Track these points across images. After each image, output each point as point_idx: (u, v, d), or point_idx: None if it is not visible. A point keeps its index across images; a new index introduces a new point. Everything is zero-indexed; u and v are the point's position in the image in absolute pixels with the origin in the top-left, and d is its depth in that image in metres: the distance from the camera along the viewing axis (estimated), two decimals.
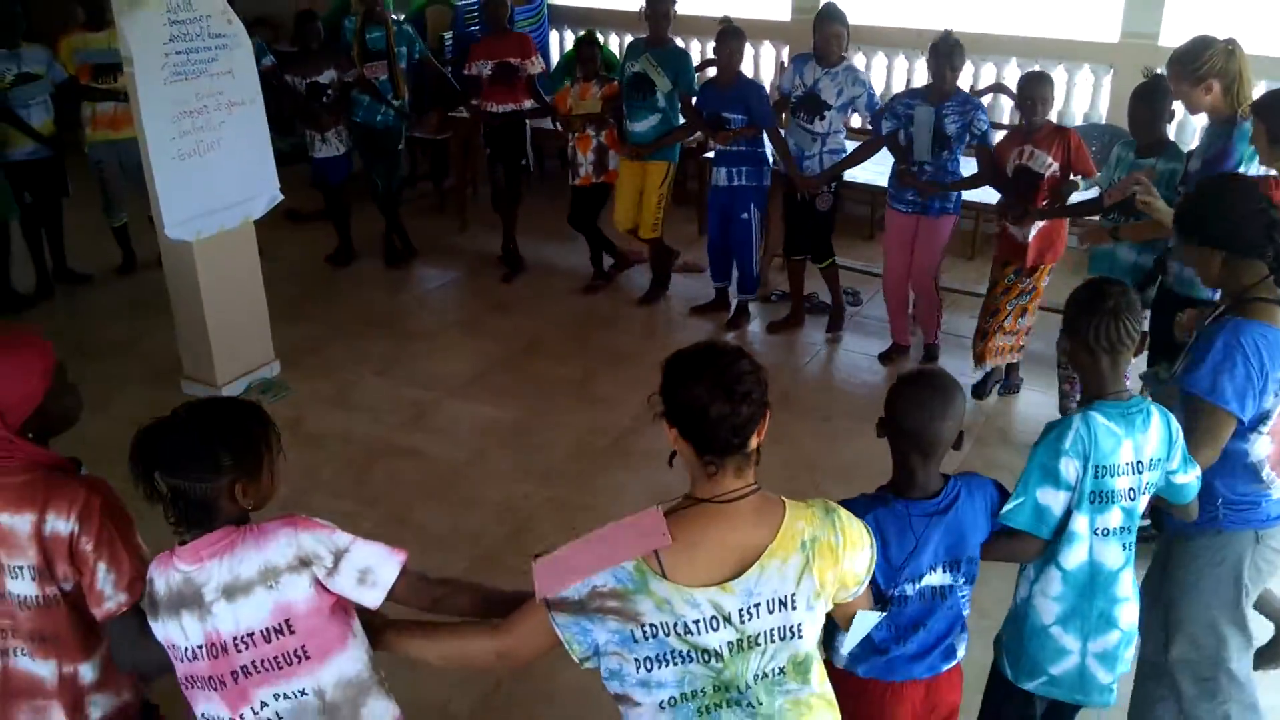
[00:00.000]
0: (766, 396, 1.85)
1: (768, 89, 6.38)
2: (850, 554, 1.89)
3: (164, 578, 1.94)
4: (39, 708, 2.13)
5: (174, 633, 1.94)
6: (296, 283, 6.62)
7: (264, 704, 1.95)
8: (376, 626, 2.06)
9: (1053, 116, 6.92)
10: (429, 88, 7.41)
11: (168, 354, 5.31)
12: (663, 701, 1.84)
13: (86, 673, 2.12)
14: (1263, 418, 2.58)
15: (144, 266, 6.76)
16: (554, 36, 8.88)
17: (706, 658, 1.81)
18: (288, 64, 6.66)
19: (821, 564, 1.85)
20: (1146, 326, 2.84)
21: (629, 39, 7.97)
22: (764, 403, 1.84)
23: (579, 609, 1.82)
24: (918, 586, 2.26)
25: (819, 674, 1.94)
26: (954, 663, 2.36)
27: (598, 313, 6.34)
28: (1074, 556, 2.40)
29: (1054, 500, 2.36)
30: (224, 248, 5.08)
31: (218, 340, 5.16)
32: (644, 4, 5.97)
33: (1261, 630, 3.21)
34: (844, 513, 1.93)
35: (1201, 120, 4.95)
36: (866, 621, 2.11)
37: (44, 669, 2.11)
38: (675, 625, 1.79)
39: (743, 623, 1.80)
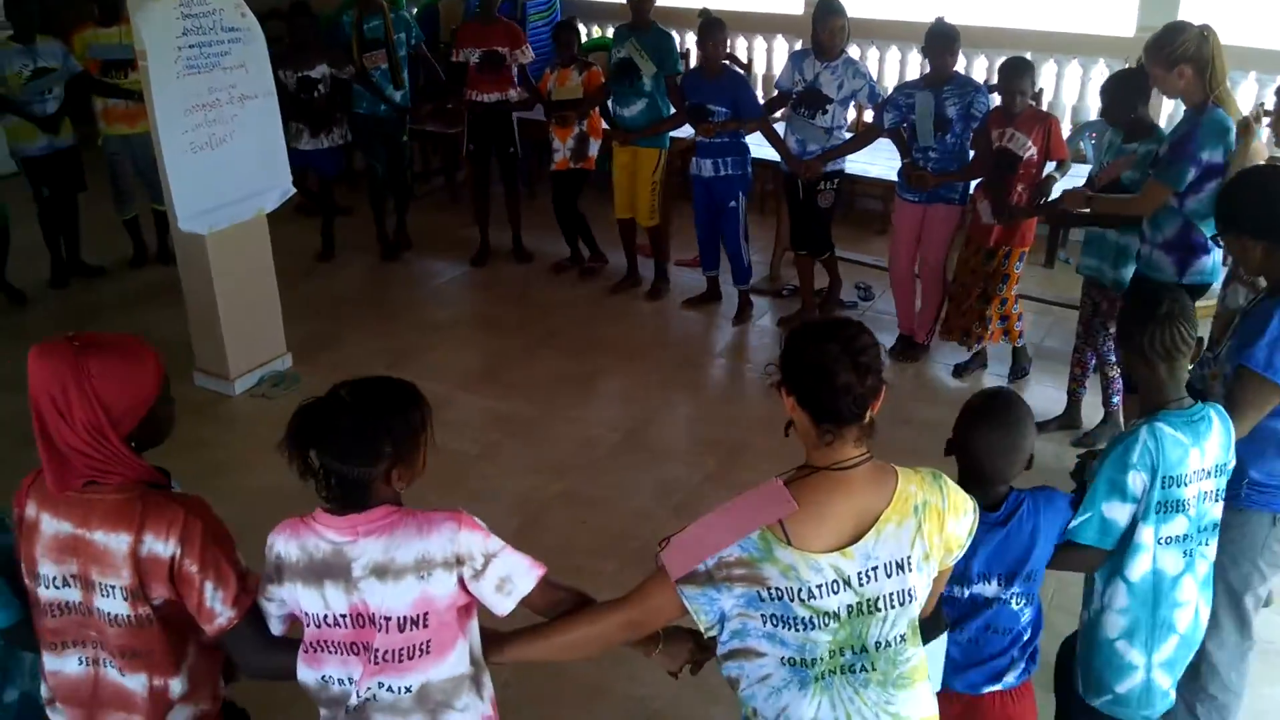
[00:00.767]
0: (884, 371, 1.90)
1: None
2: (954, 518, 1.94)
3: (298, 544, 1.95)
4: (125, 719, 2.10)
5: (309, 600, 1.95)
6: (309, 275, 6.64)
7: (370, 689, 1.97)
8: (488, 635, 2.08)
9: (1068, 110, 6.98)
10: (423, 78, 7.40)
11: (179, 346, 5.33)
12: (783, 658, 1.90)
13: (176, 686, 2.09)
14: None
15: (152, 259, 6.83)
16: (577, 25, 8.84)
17: (826, 620, 1.86)
18: (279, 58, 6.65)
19: (930, 527, 1.90)
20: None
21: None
22: (882, 377, 1.89)
23: (707, 580, 1.87)
24: (966, 591, 2.27)
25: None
26: (999, 687, 2.34)
27: (609, 307, 6.34)
28: (1139, 567, 2.39)
29: (1120, 514, 2.35)
30: (237, 240, 5.09)
31: (230, 332, 5.18)
32: None
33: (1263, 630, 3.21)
34: (949, 481, 1.98)
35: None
36: (936, 650, 2.13)
37: (134, 683, 2.06)
38: (799, 591, 1.84)
39: (861, 585, 1.85)
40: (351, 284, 6.70)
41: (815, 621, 1.86)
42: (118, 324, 5.96)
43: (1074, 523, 2.36)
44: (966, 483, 2.23)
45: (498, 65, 6.40)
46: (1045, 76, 7.01)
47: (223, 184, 4.94)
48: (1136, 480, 2.32)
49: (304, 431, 1.89)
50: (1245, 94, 6.51)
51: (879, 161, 6.56)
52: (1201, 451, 2.35)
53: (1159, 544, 2.38)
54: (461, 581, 1.94)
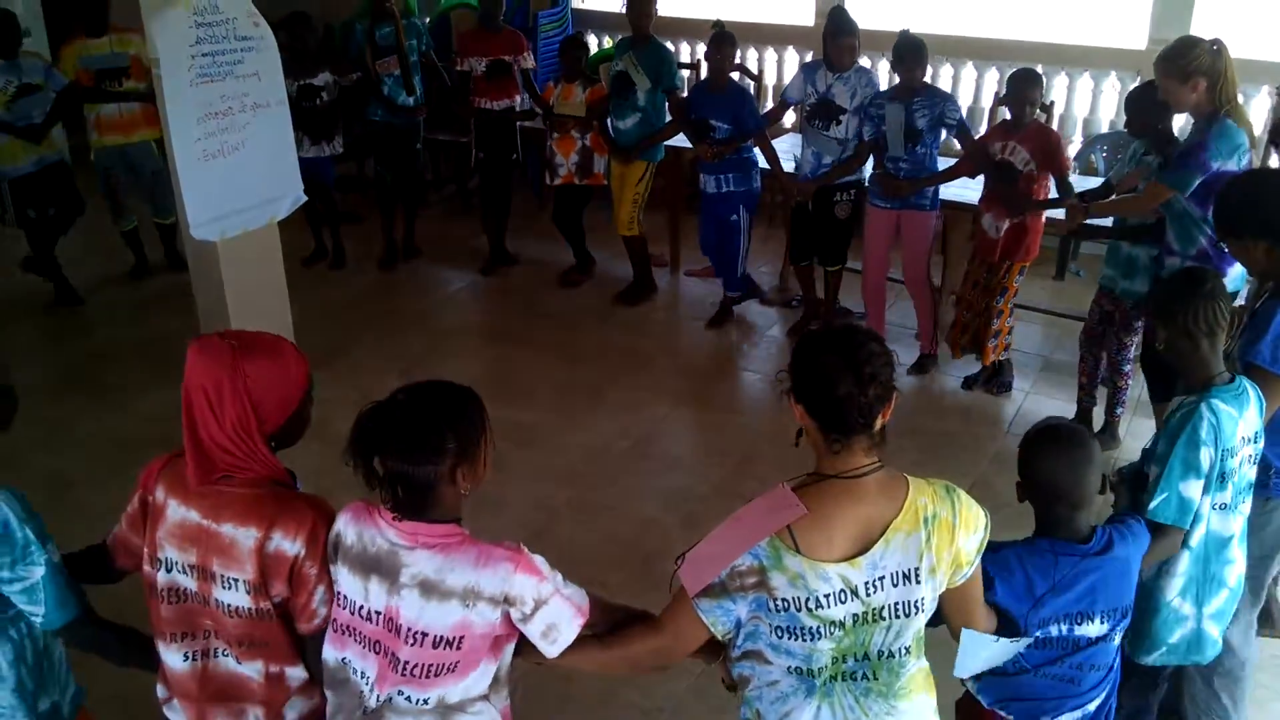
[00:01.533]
0: (894, 379, 1.87)
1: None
2: (965, 533, 1.92)
3: (357, 530, 1.96)
4: (238, 711, 2.10)
5: (351, 587, 1.97)
6: (320, 283, 6.66)
7: (390, 697, 1.97)
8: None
9: (1080, 123, 6.97)
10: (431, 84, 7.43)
11: (183, 354, 5.32)
12: (790, 667, 1.90)
13: (295, 675, 2.09)
14: None
15: (160, 269, 6.82)
16: (584, 40, 8.86)
17: (831, 629, 1.85)
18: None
19: (939, 540, 1.87)
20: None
21: (668, 45, 7.99)
22: (891, 385, 1.86)
23: (721, 591, 1.87)
24: (1065, 629, 2.23)
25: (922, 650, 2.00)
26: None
27: (618, 316, 6.34)
28: (1198, 534, 2.49)
29: (1195, 491, 2.42)
30: (248, 247, 5.10)
31: None
32: (625, 2, 6.00)
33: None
34: (964, 494, 1.95)
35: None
36: (979, 644, 2.12)
37: (250, 669, 2.07)
38: (806, 600, 1.83)
39: (868, 595, 1.84)
40: (362, 292, 6.71)
41: (821, 631, 1.85)
42: (130, 331, 6.00)
43: (1154, 503, 2.39)
44: (1050, 521, 2.24)
45: (504, 73, 6.43)
46: (1057, 89, 7.00)
47: (235, 191, 4.95)
48: (1206, 456, 2.40)
49: (366, 436, 1.90)
50: (1259, 107, 6.50)
51: None
52: (1245, 422, 2.46)
53: (1214, 510, 2.49)
54: (508, 618, 1.93)
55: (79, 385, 5.40)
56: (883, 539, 1.84)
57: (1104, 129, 6.92)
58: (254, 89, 4.96)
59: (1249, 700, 3.02)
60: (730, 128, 5.64)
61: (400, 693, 1.97)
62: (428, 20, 7.58)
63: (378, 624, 1.96)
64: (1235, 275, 3.99)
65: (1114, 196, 4.48)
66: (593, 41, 8.67)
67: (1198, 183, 3.84)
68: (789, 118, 6.72)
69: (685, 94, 6.08)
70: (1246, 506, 2.57)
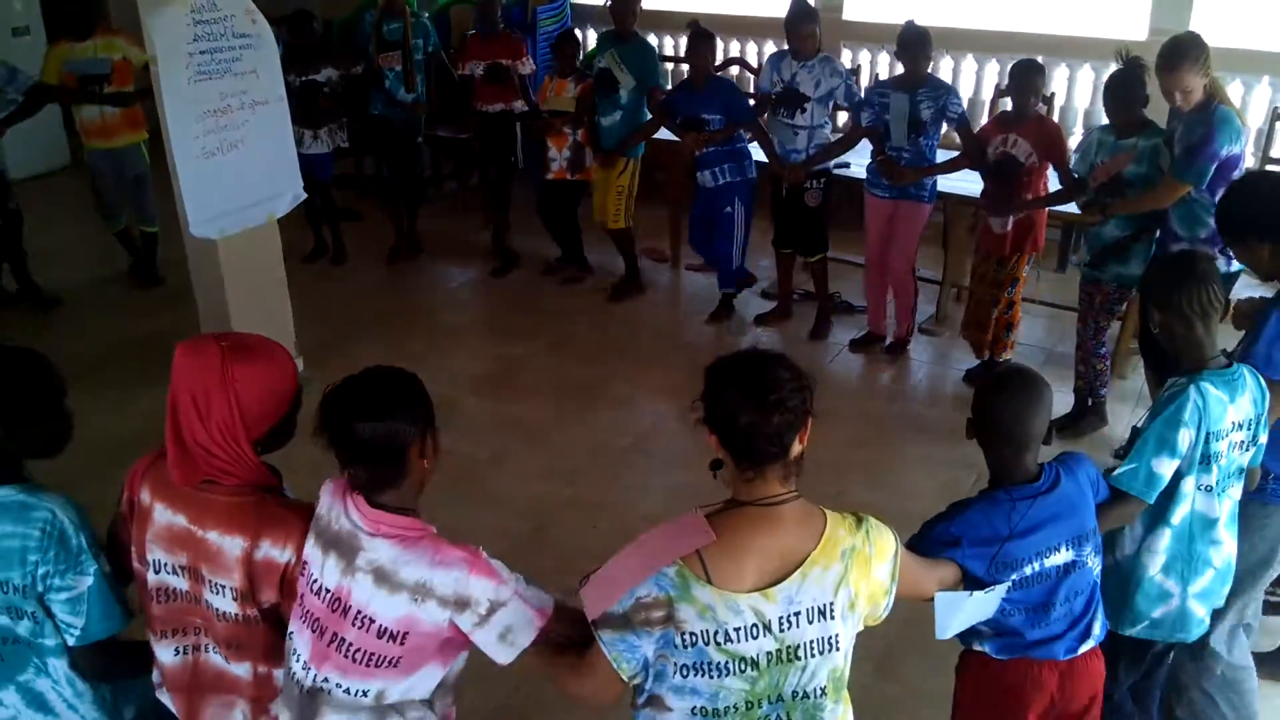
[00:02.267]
0: (807, 403, 1.81)
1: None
2: (879, 562, 1.88)
3: (330, 505, 1.96)
4: (227, 703, 2.10)
5: (313, 558, 1.96)
6: (320, 280, 6.65)
7: (326, 679, 1.95)
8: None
9: (1080, 114, 6.95)
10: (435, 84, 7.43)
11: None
12: (694, 708, 1.83)
13: (280, 676, 2.09)
14: None
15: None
16: (577, 36, 8.86)
17: (744, 667, 1.79)
18: (283, 62, 6.67)
19: (857, 574, 1.83)
20: None
21: (651, 38, 7.98)
22: (803, 410, 1.80)
23: (624, 624, 1.80)
24: (1040, 566, 2.26)
25: (847, 698, 1.95)
26: (1091, 644, 2.35)
27: (619, 313, 6.34)
28: (1180, 512, 2.52)
29: (1166, 469, 2.44)
30: (248, 245, 5.10)
31: None
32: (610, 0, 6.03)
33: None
34: (874, 522, 1.91)
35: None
36: (953, 603, 2.16)
37: (239, 669, 2.08)
38: (715, 634, 1.76)
39: (782, 631, 1.78)
40: (362, 289, 6.70)
41: (730, 667, 1.78)
42: (130, 329, 5.99)
43: (1121, 469, 2.43)
44: (997, 462, 2.27)
45: (502, 77, 6.44)
46: (1057, 81, 6.99)
47: (234, 189, 4.95)
48: (1185, 437, 2.42)
49: (339, 404, 1.89)
50: (1259, 98, 6.48)
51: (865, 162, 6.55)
52: (1236, 407, 2.48)
53: (1200, 491, 2.52)
54: (455, 624, 1.91)
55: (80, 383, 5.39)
56: (799, 572, 1.78)
57: (1105, 120, 6.89)
58: (253, 86, 4.95)
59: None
60: (721, 119, 5.65)
61: (339, 685, 1.94)
62: (427, 16, 7.57)
63: (323, 600, 1.94)
64: None
65: (1101, 190, 4.50)
66: (591, 36, 8.67)
67: (1213, 172, 3.98)
68: None
69: (668, 91, 6.09)
70: (1236, 491, 2.59)
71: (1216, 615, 2.75)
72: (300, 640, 1.98)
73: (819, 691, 1.85)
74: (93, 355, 5.70)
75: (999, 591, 2.21)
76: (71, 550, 2.02)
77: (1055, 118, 6.82)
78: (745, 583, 1.77)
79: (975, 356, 5.39)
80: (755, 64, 7.85)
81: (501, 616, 1.91)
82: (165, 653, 2.11)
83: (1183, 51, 3.95)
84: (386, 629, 1.90)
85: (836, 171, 5.77)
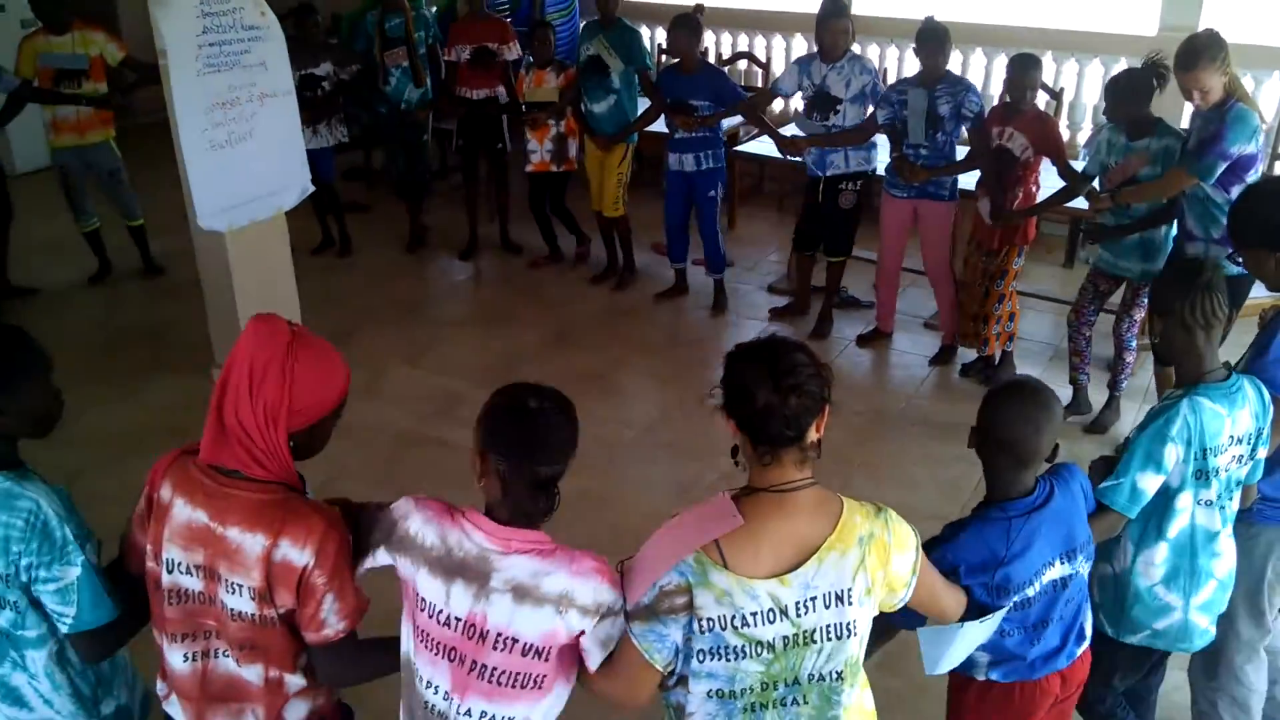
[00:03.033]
0: (825, 391, 1.83)
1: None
2: (899, 553, 1.88)
3: (439, 533, 1.91)
4: (238, 710, 2.07)
5: (431, 590, 1.91)
6: (327, 272, 6.67)
7: (470, 711, 1.93)
8: None
9: (1089, 110, 6.93)
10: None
11: (198, 342, 5.34)
12: (710, 691, 1.85)
13: (293, 681, 2.06)
14: None
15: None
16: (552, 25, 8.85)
17: (760, 651, 1.81)
18: None
19: (874, 561, 1.84)
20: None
21: (659, 30, 7.98)
22: (821, 397, 1.82)
23: (650, 614, 1.83)
24: (1039, 585, 2.23)
25: (864, 682, 1.96)
26: (1085, 644, 2.36)
27: (622, 304, 6.34)
28: (1177, 526, 2.49)
29: (1150, 484, 2.41)
30: (256, 238, 5.11)
31: None
32: None
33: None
34: (893, 513, 1.91)
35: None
36: (942, 637, 2.13)
37: (250, 672, 2.03)
38: (733, 619, 1.79)
39: (798, 616, 1.80)
40: (368, 280, 6.71)
41: (747, 650, 1.80)
42: (138, 320, 6.02)
43: (1107, 484, 2.41)
44: (996, 476, 2.23)
45: (488, 61, 6.42)
46: (1066, 76, 6.97)
47: (242, 181, 4.96)
48: (1172, 453, 2.38)
49: (509, 441, 1.90)
50: (1271, 93, 6.46)
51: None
52: (1234, 421, 2.43)
53: (1198, 505, 2.48)
54: (581, 631, 1.90)
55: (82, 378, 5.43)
56: (815, 557, 1.79)
57: None
58: (261, 78, 4.96)
59: None
60: (710, 105, 5.67)
61: (485, 713, 1.93)
62: (434, 10, 7.58)
63: (456, 630, 1.90)
64: None
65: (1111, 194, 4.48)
66: None
67: (1221, 170, 3.96)
68: (777, 104, 6.73)
69: (656, 75, 6.12)
70: (1235, 504, 2.55)
71: (1227, 627, 2.72)
72: (437, 671, 1.95)
73: (835, 675, 1.86)
74: (98, 346, 5.72)
75: (995, 618, 2.17)
76: (56, 542, 2.00)
77: (1064, 113, 6.83)
78: (762, 568, 1.79)
79: (965, 348, 5.39)
80: (763, 58, 7.86)
81: (615, 622, 1.91)
82: (175, 658, 2.07)
83: (1199, 51, 3.94)
84: (531, 645, 1.88)
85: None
